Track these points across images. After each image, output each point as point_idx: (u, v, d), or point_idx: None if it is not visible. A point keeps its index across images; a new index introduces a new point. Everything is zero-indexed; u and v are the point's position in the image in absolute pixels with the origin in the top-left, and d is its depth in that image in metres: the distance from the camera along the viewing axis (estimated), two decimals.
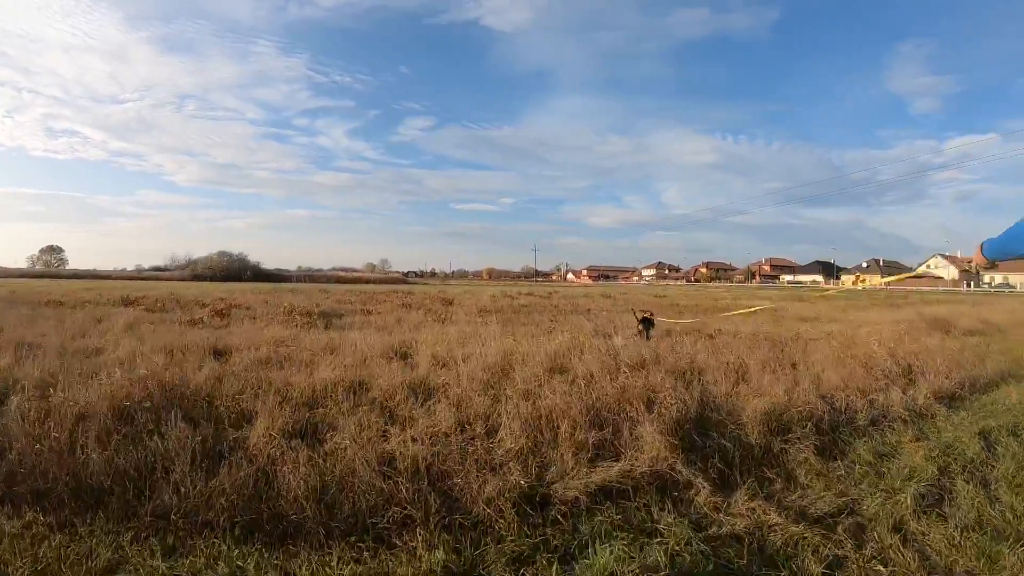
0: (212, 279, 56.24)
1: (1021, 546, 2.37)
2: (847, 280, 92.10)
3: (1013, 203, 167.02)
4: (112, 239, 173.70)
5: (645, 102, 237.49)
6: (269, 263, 78.99)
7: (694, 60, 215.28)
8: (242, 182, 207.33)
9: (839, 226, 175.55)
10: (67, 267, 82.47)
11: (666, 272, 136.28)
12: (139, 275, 65.17)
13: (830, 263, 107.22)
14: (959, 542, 2.43)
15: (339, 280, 66.08)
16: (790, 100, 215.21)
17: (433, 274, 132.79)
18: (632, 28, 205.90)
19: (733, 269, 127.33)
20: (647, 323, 8.41)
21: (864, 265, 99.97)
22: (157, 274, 66.43)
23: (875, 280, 77.99)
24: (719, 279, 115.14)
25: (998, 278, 69.61)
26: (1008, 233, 2.11)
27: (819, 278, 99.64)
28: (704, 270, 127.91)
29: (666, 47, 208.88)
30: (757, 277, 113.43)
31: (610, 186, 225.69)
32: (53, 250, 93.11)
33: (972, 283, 64.32)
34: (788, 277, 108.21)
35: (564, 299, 20.81)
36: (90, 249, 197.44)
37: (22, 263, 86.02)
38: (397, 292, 25.34)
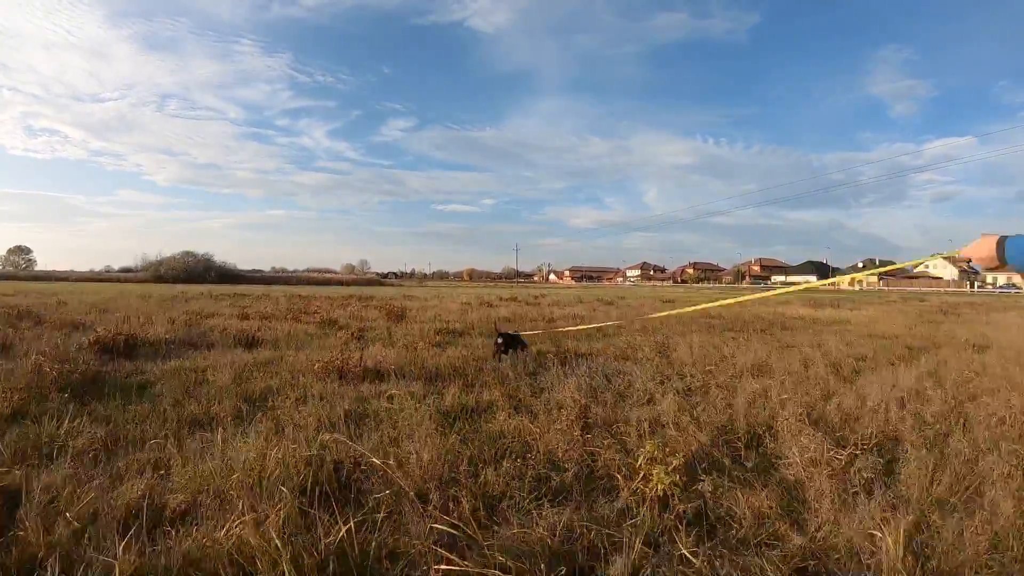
0: (175, 280, 53.34)
1: None
2: (843, 280, 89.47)
3: (989, 204, 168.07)
4: (90, 239, 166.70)
5: (625, 104, 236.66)
6: (246, 264, 77.78)
7: (673, 63, 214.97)
8: (222, 182, 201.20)
9: (818, 227, 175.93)
10: (36, 268, 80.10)
11: (651, 273, 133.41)
12: (98, 276, 63.03)
13: (823, 263, 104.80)
14: None
15: (309, 281, 63.22)
16: (769, 103, 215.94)
17: (412, 275, 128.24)
18: (612, 31, 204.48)
19: (720, 270, 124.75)
20: (510, 341, 5.82)
21: (860, 265, 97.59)
22: (118, 276, 63.25)
23: (872, 279, 75.27)
24: (706, 280, 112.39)
25: (1001, 279, 67.23)
26: None
27: (813, 278, 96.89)
28: (691, 271, 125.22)
29: (645, 50, 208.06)
30: (747, 278, 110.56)
31: (591, 187, 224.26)
32: (21, 251, 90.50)
33: (974, 284, 61.79)
34: (779, 278, 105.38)
35: (555, 306, 16.72)
36: (67, 249, 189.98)
37: None
38: (352, 297, 22.02)
